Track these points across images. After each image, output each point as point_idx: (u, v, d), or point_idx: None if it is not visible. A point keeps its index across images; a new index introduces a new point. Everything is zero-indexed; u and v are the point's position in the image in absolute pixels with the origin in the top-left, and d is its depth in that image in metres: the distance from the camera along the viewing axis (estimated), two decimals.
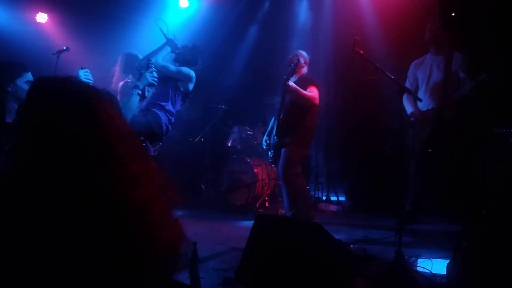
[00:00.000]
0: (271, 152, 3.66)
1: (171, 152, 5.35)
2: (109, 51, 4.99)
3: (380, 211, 4.23)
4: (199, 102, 5.57)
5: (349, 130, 5.45)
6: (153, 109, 3.14)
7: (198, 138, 5.62)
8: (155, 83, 2.74)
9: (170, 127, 3.26)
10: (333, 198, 5.09)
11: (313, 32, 5.92)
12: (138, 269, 0.66)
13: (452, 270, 1.81)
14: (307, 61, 3.70)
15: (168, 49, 3.26)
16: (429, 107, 3.66)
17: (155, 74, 2.78)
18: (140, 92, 2.60)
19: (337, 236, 2.46)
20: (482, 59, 3.65)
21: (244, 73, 6.28)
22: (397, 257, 2.37)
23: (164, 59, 3.24)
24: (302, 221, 2.34)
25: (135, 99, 2.56)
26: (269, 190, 5.00)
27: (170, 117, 3.24)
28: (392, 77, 2.63)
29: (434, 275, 2.29)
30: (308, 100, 3.41)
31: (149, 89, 3.14)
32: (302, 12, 5.99)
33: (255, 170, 4.80)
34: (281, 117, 3.56)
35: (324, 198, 5.15)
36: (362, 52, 2.71)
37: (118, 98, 4.31)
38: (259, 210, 4.73)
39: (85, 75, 2.62)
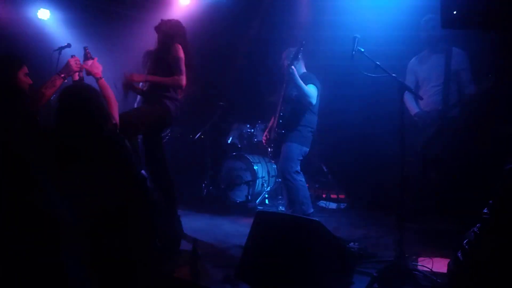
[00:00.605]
0: (271, 148, 3.66)
1: (171, 150, 5.35)
2: (111, 48, 4.98)
3: (380, 209, 4.24)
4: (199, 99, 5.57)
5: (349, 128, 5.44)
6: (160, 99, 3.14)
7: (198, 135, 5.62)
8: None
9: (178, 112, 3.25)
10: (333, 196, 5.09)
11: (313, 29, 5.90)
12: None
13: (452, 269, 1.81)
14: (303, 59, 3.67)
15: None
16: (432, 107, 3.64)
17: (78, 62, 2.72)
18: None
19: (337, 234, 2.46)
20: (484, 57, 3.64)
21: (244, 70, 6.26)
22: (397, 255, 2.37)
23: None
24: (302, 219, 2.34)
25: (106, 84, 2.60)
26: (269, 187, 5.00)
27: (177, 103, 3.24)
28: (393, 75, 2.62)
29: (435, 273, 2.29)
30: (305, 95, 3.40)
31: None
32: (303, 9, 5.97)
33: (255, 167, 4.80)
34: (281, 111, 3.56)
35: (324, 196, 5.15)
36: (362, 49, 2.70)
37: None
38: (259, 207, 4.74)
39: (75, 63, 2.62)
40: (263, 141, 3.88)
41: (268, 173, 5.01)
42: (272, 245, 2.07)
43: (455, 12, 2.71)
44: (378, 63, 2.63)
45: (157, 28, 3.27)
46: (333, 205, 4.78)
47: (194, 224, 3.82)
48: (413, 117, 3.71)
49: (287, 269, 1.96)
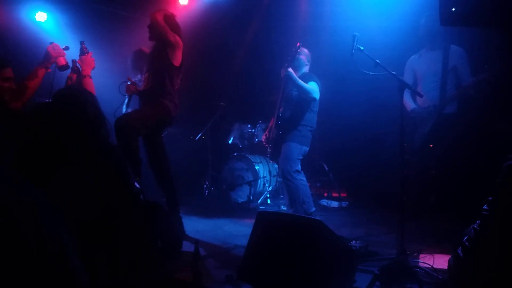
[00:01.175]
0: (270, 148, 3.67)
1: (172, 150, 5.36)
2: (109, 50, 4.98)
3: (381, 208, 4.24)
4: (200, 99, 5.58)
5: (350, 126, 5.43)
6: (158, 99, 3.15)
7: (199, 136, 5.63)
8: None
9: (177, 111, 3.27)
10: (335, 195, 5.09)
11: (313, 28, 5.90)
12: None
13: (453, 266, 1.81)
14: (309, 61, 3.70)
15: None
16: (429, 103, 3.65)
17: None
18: (90, 76, 2.59)
19: (338, 233, 2.47)
20: (482, 54, 3.63)
21: (245, 70, 6.26)
22: (399, 253, 2.38)
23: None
24: (303, 218, 2.34)
25: (90, 83, 2.56)
26: (270, 187, 5.00)
27: (175, 101, 3.25)
28: (393, 73, 2.62)
29: (436, 270, 2.30)
30: (307, 92, 3.40)
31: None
32: (303, 9, 5.97)
33: (256, 167, 4.80)
34: (281, 111, 3.56)
35: (325, 194, 5.15)
36: (362, 47, 2.70)
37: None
38: (260, 207, 4.74)
39: (54, 49, 2.57)
40: (263, 141, 3.89)
41: (270, 172, 5.01)
42: (274, 245, 2.07)
43: (453, 9, 2.71)
44: (377, 61, 2.63)
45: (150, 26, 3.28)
46: (334, 204, 4.78)
47: (196, 224, 3.82)
48: (409, 113, 3.72)
49: (289, 269, 1.96)
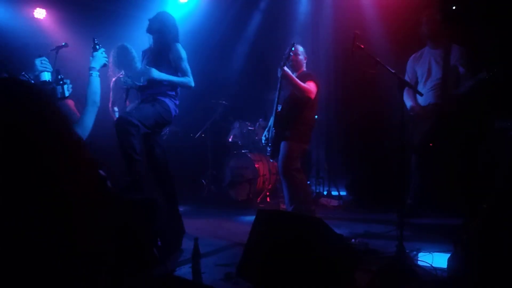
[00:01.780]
0: (269, 146, 3.66)
1: (172, 148, 5.35)
2: (108, 47, 4.96)
3: (381, 206, 4.24)
4: (200, 97, 5.56)
5: (350, 125, 5.44)
6: (159, 97, 3.14)
7: (199, 133, 5.62)
8: (107, 62, 2.69)
9: (177, 110, 3.26)
10: (334, 193, 5.10)
11: (313, 26, 5.89)
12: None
13: (453, 264, 1.82)
14: (305, 57, 3.69)
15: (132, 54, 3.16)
16: (429, 102, 3.65)
17: (104, 53, 2.69)
18: (98, 73, 2.55)
19: (338, 231, 2.46)
20: (482, 52, 3.63)
21: (245, 69, 6.26)
22: (398, 251, 2.38)
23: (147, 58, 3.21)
24: (303, 216, 2.34)
25: (96, 81, 2.50)
26: (270, 185, 5.00)
27: (175, 101, 3.24)
28: (393, 71, 2.62)
29: (435, 268, 2.30)
30: (302, 91, 3.39)
31: (143, 79, 3.13)
32: (302, 7, 5.96)
33: (256, 166, 4.80)
34: (279, 109, 3.55)
35: (325, 192, 5.16)
36: (362, 46, 2.69)
37: (111, 94, 4.29)
38: (260, 205, 4.74)
39: (41, 63, 2.54)
40: (262, 140, 3.88)
41: (269, 171, 5.01)
42: (273, 243, 2.07)
43: (454, 8, 2.71)
44: (378, 59, 2.62)
45: (149, 30, 3.26)
46: (334, 202, 4.78)
47: (195, 222, 3.82)
48: (408, 111, 3.72)
49: (289, 266, 1.96)
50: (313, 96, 3.45)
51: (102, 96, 2.43)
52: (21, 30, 5.08)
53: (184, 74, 3.18)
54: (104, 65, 2.60)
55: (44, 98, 0.71)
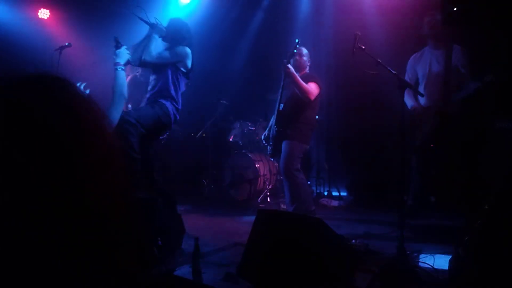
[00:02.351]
0: (270, 146, 3.66)
1: (173, 148, 5.36)
2: (111, 47, 4.98)
3: (381, 206, 4.24)
4: (201, 97, 5.57)
5: (351, 125, 5.43)
6: (160, 100, 3.13)
7: (199, 133, 5.63)
8: (130, 59, 2.72)
9: (177, 115, 3.24)
10: (335, 193, 5.09)
11: (314, 27, 5.89)
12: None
13: (454, 266, 1.81)
14: (309, 61, 3.69)
15: (157, 37, 3.15)
16: (430, 102, 3.64)
17: (127, 50, 2.73)
18: (123, 68, 2.58)
19: (338, 232, 2.46)
20: (483, 53, 3.62)
21: (246, 69, 6.26)
22: (399, 253, 2.37)
23: (156, 47, 3.10)
24: (303, 216, 2.34)
25: (122, 75, 2.54)
26: (270, 185, 5.00)
27: (177, 105, 3.22)
28: (394, 72, 2.62)
29: (436, 270, 2.29)
30: (303, 91, 3.40)
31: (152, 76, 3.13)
32: (304, 7, 5.96)
33: (256, 165, 4.80)
34: (281, 108, 3.55)
35: (325, 193, 5.15)
36: (363, 47, 2.69)
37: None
38: (260, 205, 4.74)
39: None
40: (263, 140, 3.88)
41: (270, 171, 5.01)
42: (273, 243, 2.07)
43: (455, 9, 2.70)
44: (379, 60, 2.62)
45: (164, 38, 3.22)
46: (334, 203, 4.78)
47: (195, 222, 3.83)
48: (410, 111, 3.71)
49: (289, 267, 1.96)
50: (312, 97, 3.45)
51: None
52: (25, 30, 5.10)
53: (159, 57, 3.07)
54: (128, 62, 2.67)
55: (81, 94, 0.71)
